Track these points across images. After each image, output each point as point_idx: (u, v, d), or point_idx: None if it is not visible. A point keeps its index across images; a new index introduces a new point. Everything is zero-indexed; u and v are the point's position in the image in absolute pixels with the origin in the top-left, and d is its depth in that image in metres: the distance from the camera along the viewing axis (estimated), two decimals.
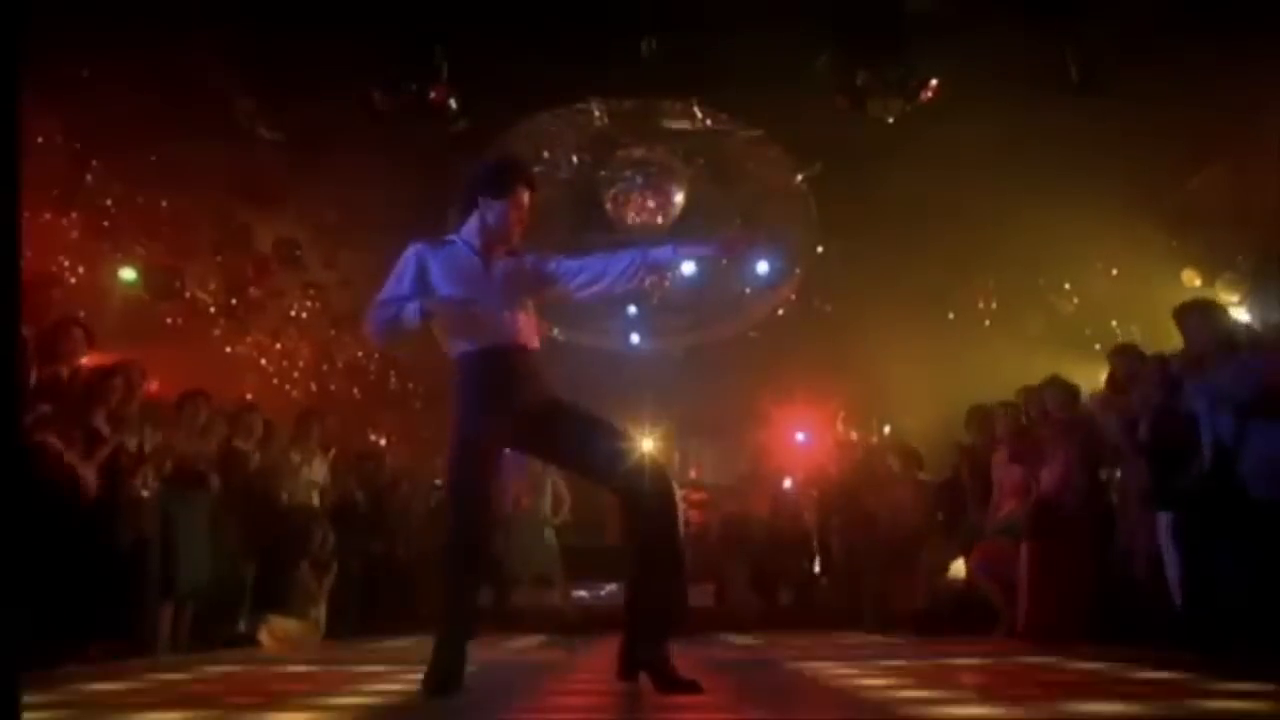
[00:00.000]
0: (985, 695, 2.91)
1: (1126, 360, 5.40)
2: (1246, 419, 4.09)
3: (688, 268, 11.19)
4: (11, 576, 1.38)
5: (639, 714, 2.59)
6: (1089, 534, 5.19)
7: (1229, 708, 2.47)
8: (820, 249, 10.63)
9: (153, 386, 6.04)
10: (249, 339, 10.77)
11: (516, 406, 3.07)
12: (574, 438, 3.11)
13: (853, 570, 7.78)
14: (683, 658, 3.10)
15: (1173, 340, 5.74)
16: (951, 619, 6.28)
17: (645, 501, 3.01)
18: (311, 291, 10.72)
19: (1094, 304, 9.85)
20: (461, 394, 3.12)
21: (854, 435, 8.76)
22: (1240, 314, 7.72)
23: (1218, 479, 4.17)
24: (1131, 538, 4.89)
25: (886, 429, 10.58)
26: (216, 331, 10.29)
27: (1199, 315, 4.59)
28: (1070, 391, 5.72)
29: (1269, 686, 2.81)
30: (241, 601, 6.13)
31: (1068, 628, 4.95)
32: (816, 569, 8.58)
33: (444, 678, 2.90)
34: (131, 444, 5.00)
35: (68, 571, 4.18)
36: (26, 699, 2.59)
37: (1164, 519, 4.56)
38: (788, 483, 9.96)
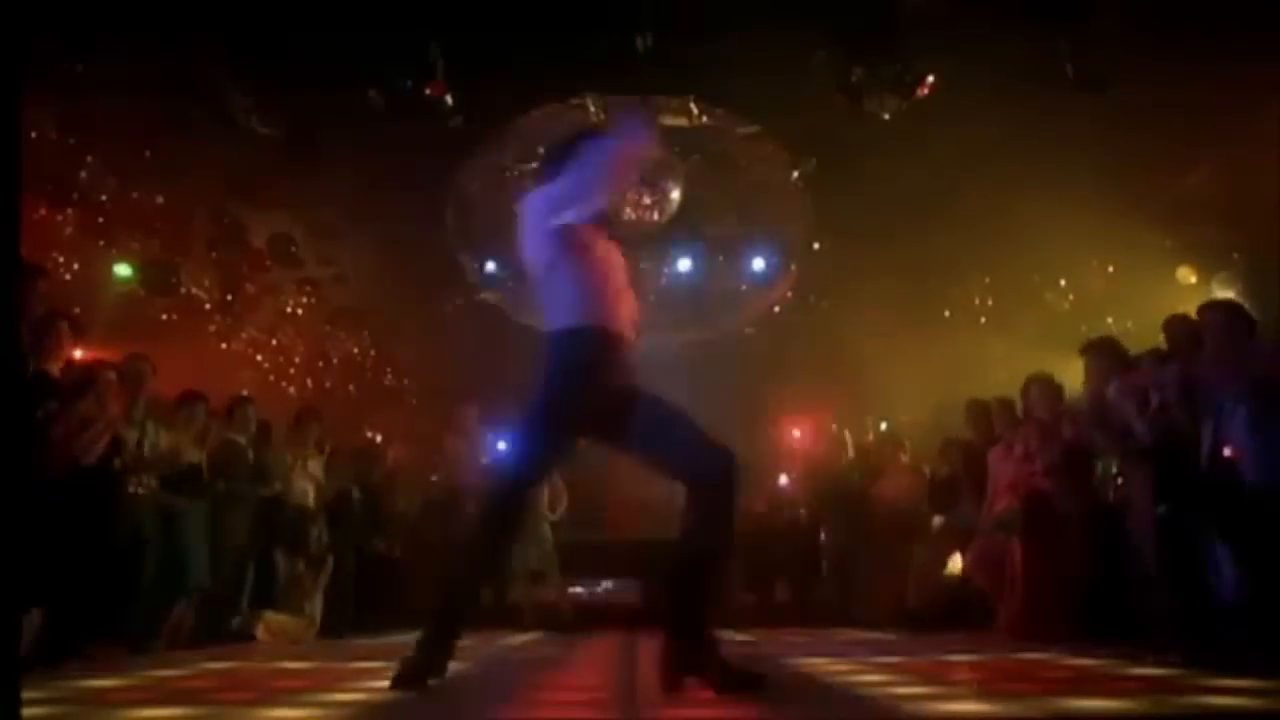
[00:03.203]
0: (981, 691, 2.92)
1: (1099, 356, 5.37)
2: (1256, 416, 4.09)
3: (684, 264, 11.21)
4: (13, 577, 1.38)
5: (636, 710, 2.60)
6: (1081, 531, 5.20)
7: (1223, 704, 2.49)
8: (816, 246, 10.64)
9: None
10: (244, 335, 10.76)
11: (609, 395, 2.99)
12: (652, 429, 3.01)
13: (847, 566, 7.80)
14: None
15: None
16: (947, 615, 6.30)
17: (714, 498, 2.89)
18: (307, 288, 10.72)
19: (1090, 301, 9.88)
20: (567, 368, 2.96)
21: (846, 433, 8.76)
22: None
23: (1216, 477, 4.17)
24: (1137, 533, 4.88)
25: (883, 425, 10.59)
26: (212, 328, 10.28)
27: (1224, 316, 4.57)
28: (1053, 390, 5.74)
29: (1263, 683, 2.82)
30: (240, 598, 6.13)
31: (1060, 625, 4.97)
32: (822, 565, 8.58)
33: (417, 673, 2.82)
34: (132, 439, 4.98)
35: (67, 571, 4.17)
36: (27, 696, 2.59)
37: (1160, 514, 4.57)
38: (783, 479, 9.97)
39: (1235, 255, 8.39)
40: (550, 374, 2.96)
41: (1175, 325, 5.09)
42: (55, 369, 4.62)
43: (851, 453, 8.49)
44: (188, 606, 5.56)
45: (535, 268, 3.12)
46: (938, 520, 7.16)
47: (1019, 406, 6.14)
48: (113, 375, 4.95)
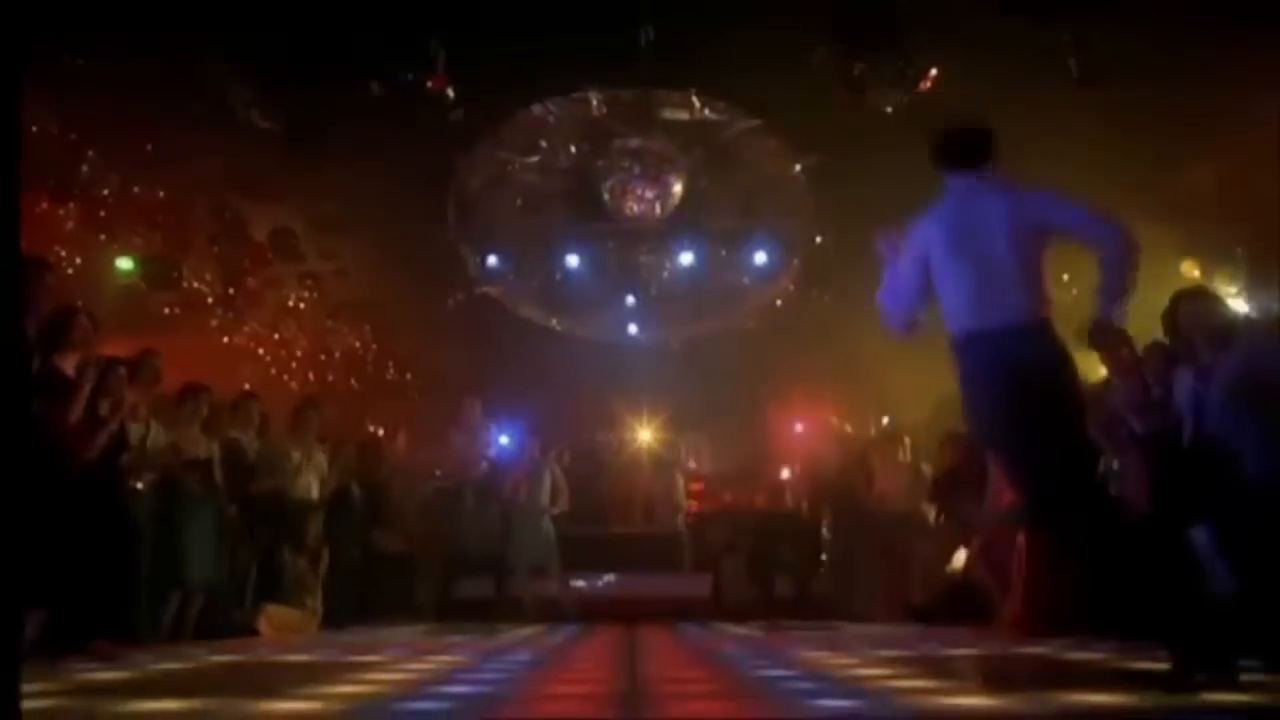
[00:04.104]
0: (982, 685, 2.93)
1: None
2: (1244, 409, 4.09)
3: (686, 258, 11.21)
4: (15, 573, 1.38)
5: (637, 703, 2.60)
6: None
7: (1222, 699, 2.49)
8: (818, 239, 10.62)
9: None
10: (246, 329, 10.77)
11: None
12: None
13: (849, 561, 7.81)
14: (679, 647, 3.11)
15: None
16: (949, 610, 6.30)
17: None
18: (309, 282, 10.71)
19: (1092, 295, 9.84)
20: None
21: (848, 428, 8.75)
22: (1239, 305, 7.73)
23: (1203, 469, 4.17)
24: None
25: (885, 420, 10.59)
26: (214, 322, 10.29)
27: (1196, 305, 4.58)
28: None
29: (1262, 678, 2.83)
30: (243, 592, 6.14)
31: (1064, 618, 4.96)
32: (823, 558, 8.58)
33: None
34: (137, 436, 4.99)
35: (69, 566, 4.18)
36: (28, 689, 2.60)
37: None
38: (785, 473, 9.97)
39: (1238, 249, 8.37)
40: (1062, 357, 2.95)
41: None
42: (70, 364, 4.60)
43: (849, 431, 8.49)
44: (189, 599, 5.56)
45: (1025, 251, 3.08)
46: (934, 514, 7.16)
47: None
48: (123, 371, 4.94)
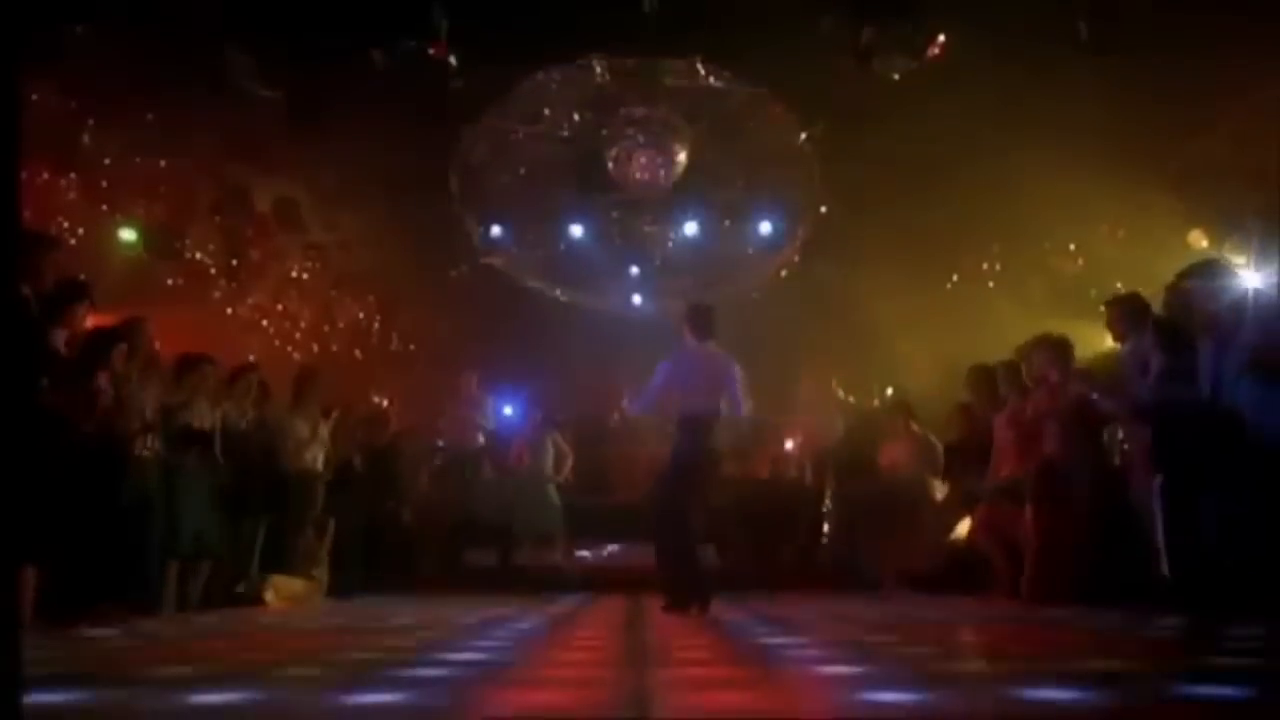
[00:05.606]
0: (983, 653, 2.94)
1: (1123, 311, 5.32)
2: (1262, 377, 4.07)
3: (690, 228, 11.15)
4: (15, 536, 1.38)
5: (641, 670, 2.62)
6: (1090, 497, 5.19)
7: (1222, 664, 2.50)
8: (823, 209, 10.55)
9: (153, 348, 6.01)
10: (250, 300, 10.75)
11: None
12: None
13: (853, 531, 7.82)
14: (686, 619, 3.12)
15: None
16: (952, 579, 6.32)
17: None
18: (312, 253, 10.68)
19: (1100, 265, 9.78)
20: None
21: (852, 399, 8.71)
22: (1249, 275, 7.66)
23: (1219, 436, 4.16)
24: (1140, 497, 4.88)
25: (889, 391, 10.58)
26: (217, 293, 10.27)
27: (1208, 278, 4.54)
28: (1061, 349, 5.65)
29: (1260, 645, 2.83)
30: (249, 562, 6.18)
31: (1069, 589, 4.97)
32: (825, 529, 8.60)
33: None
34: (135, 401, 4.99)
35: (76, 531, 4.20)
36: (36, 655, 2.62)
37: (1157, 480, 4.56)
38: (789, 444, 9.98)
39: (1248, 219, 8.29)
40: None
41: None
42: (60, 340, 4.60)
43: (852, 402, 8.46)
44: (194, 568, 5.59)
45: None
46: (941, 485, 7.15)
47: (1019, 372, 6.10)
48: (124, 346, 4.94)
